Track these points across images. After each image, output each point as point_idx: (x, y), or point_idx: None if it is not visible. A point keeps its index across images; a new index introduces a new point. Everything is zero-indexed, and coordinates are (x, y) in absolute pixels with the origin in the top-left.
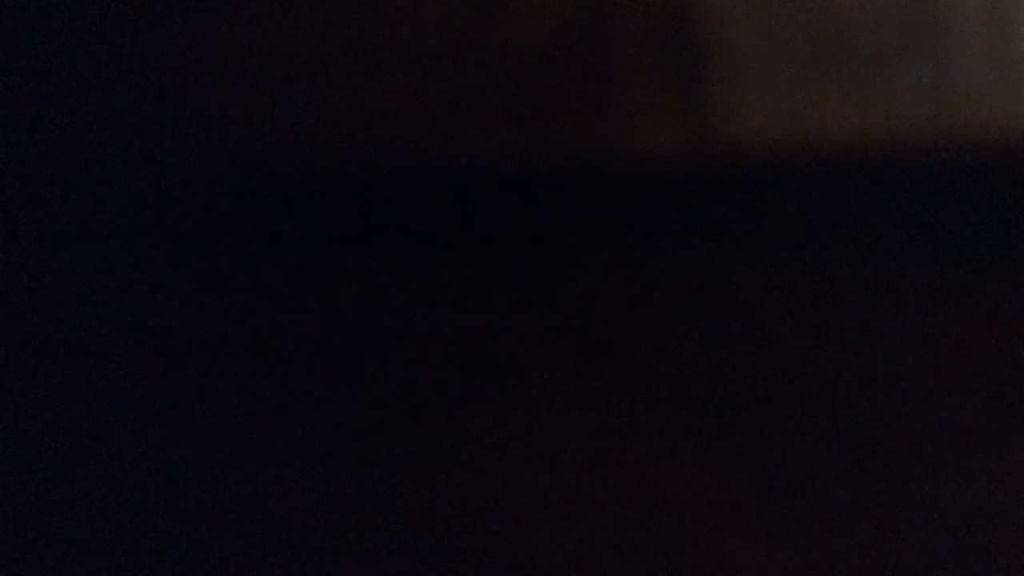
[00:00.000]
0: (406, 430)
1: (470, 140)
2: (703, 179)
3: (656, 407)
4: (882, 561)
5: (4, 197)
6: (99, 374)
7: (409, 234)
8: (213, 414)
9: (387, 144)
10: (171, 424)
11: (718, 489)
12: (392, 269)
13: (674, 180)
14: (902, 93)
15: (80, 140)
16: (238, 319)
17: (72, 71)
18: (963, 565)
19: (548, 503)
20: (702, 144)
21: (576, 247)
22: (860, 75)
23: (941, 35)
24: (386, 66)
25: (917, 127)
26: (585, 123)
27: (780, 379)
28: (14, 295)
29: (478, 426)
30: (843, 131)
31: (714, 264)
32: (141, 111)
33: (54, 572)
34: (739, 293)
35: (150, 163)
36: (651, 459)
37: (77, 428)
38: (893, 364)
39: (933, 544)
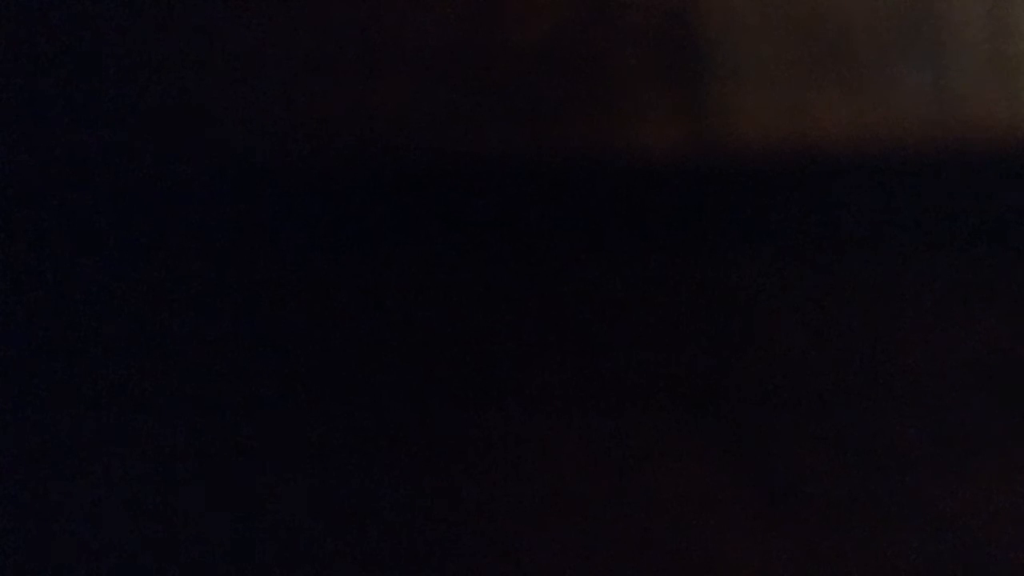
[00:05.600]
0: (406, 430)
1: (470, 140)
2: (703, 179)
3: (656, 407)
4: (882, 561)
5: (4, 197)
6: (100, 374)
7: (409, 234)
8: (214, 414)
9: (387, 144)
10: (171, 424)
11: (718, 489)
12: (392, 269)
13: (674, 180)
14: (902, 93)
15: (81, 140)
16: (238, 319)
17: (73, 71)
18: (963, 565)
19: (548, 503)
20: (702, 144)
21: (576, 247)
22: (860, 75)
23: (941, 35)
24: (386, 66)
25: (917, 127)
26: (585, 123)
27: (780, 379)
28: (14, 295)
29: (478, 426)
30: (843, 131)
31: (714, 264)
32: (141, 111)
33: (54, 572)
34: (739, 293)
35: (151, 163)
36: (651, 459)
37: (77, 428)
38: (894, 364)
39: (933, 544)
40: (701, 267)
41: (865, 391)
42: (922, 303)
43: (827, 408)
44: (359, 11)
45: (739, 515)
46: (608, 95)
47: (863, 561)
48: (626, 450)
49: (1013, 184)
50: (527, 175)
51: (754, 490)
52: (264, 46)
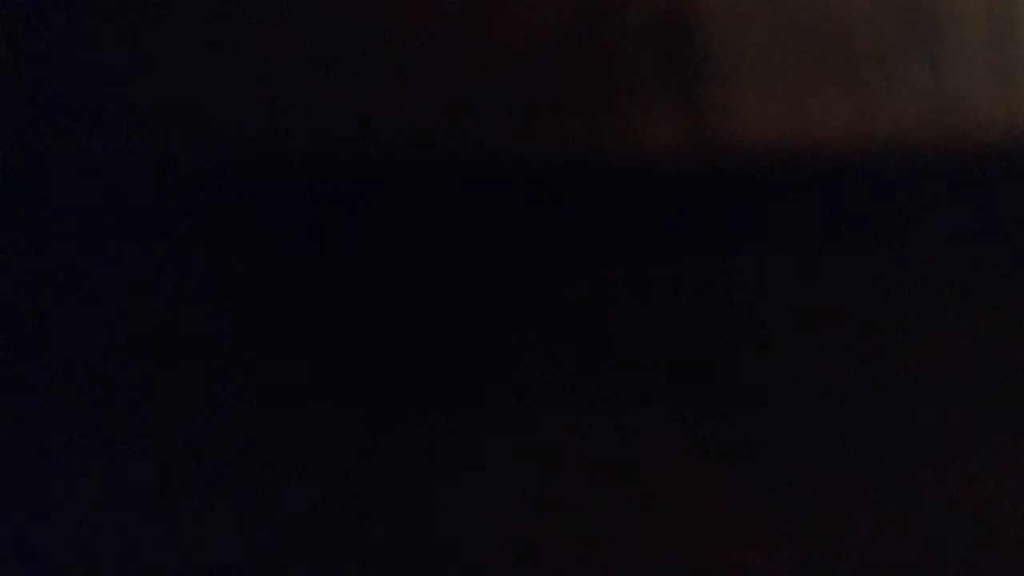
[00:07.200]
0: (406, 430)
1: (470, 140)
2: (703, 179)
3: (656, 407)
4: (882, 561)
5: (5, 197)
6: (100, 374)
7: (409, 234)
8: (213, 414)
9: (387, 144)
10: (171, 424)
11: (718, 489)
12: (392, 269)
13: (674, 180)
14: (902, 93)
15: (81, 141)
16: (238, 319)
17: (72, 71)
18: (964, 565)
19: (548, 503)
20: (702, 144)
21: (576, 247)
22: (860, 75)
23: (941, 35)
24: (386, 66)
25: (917, 127)
26: (585, 123)
27: (780, 379)
28: (14, 295)
29: (478, 426)
30: (843, 131)
31: (714, 264)
32: (142, 111)
33: (54, 571)
34: (739, 293)
35: (151, 163)
36: (651, 459)
37: (77, 428)
38: (893, 364)
39: (933, 544)
40: (701, 267)
41: (865, 391)
42: (922, 303)
43: (827, 408)
44: (359, 11)
45: (739, 515)
46: (608, 95)
47: (863, 561)
48: (626, 450)
49: (1013, 184)
50: (527, 175)
51: (754, 490)
52: (264, 46)
